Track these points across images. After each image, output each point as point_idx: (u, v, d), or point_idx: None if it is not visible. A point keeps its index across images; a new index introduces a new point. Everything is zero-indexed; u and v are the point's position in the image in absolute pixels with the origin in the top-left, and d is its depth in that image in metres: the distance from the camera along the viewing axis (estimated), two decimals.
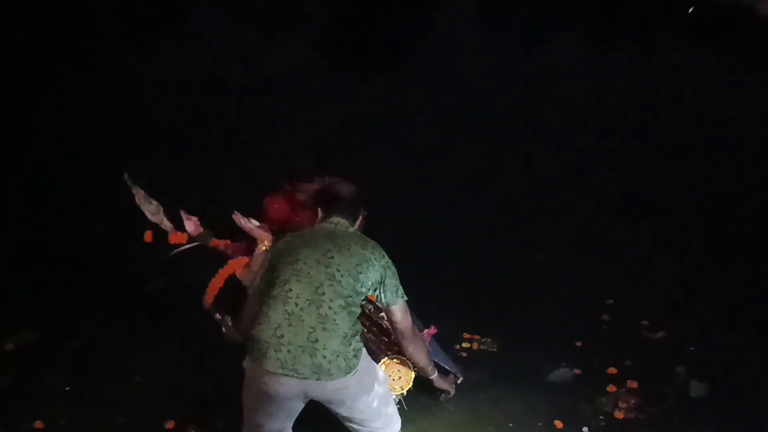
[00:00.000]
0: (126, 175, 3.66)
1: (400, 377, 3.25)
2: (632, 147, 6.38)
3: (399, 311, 2.98)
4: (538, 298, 4.29)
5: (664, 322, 4.09)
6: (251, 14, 12.37)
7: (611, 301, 4.26)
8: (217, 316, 3.49)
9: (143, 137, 6.57)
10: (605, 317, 4.15)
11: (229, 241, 3.70)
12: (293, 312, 2.73)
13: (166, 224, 3.67)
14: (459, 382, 3.49)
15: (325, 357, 2.68)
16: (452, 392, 3.45)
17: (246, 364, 2.82)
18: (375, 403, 2.89)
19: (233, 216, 3.49)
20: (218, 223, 3.76)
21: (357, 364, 2.76)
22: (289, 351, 2.68)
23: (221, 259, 3.59)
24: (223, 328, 3.46)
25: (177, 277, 3.83)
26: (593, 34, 10.91)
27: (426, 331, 3.50)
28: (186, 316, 3.88)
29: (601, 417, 3.42)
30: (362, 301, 2.92)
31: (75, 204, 5.50)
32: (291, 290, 2.76)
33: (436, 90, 8.15)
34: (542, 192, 5.63)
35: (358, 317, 2.87)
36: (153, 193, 3.81)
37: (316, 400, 2.84)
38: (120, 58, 9.44)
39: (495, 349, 3.89)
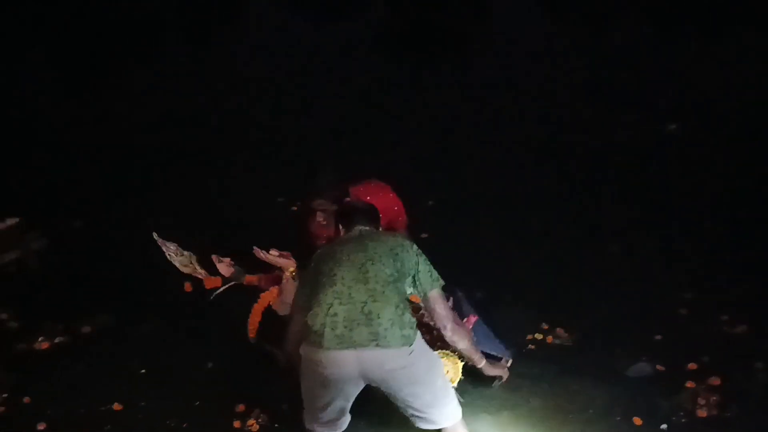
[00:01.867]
0: (155, 235, 3.74)
1: (447, 371, 3.19)
2: (712, 137, 6.17)
3: (437, 297, 3.00)
4: (612, 291, 4.18)
5: (745, 316, 3.92)
6: (307, 8, 12.41)
7: (689, 295, 4.12)
8: (267, 347, 3.53)
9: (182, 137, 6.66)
10: (683, 311, 4.02)
11: (262, 275, 3.71)
12: (342, 291, 2.82)
13: (200, 272, 3.75)
14: (509, 365, 3.42)
15: (381, 324, 2.74)
16: (505, 377, 3.38)
17: (303, 350, 2.85)
18: (435, 388, 2.89)
19: (253, 251, 3.53)
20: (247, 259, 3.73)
21: (413, 337, 2.78)
22: (345, 326, 2.74)
23: (256, 293, 3.63)
24: (279, 358, 3.47)
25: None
26: (657, 21, 10.61)
27: (465, 319, 3.45)
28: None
29: (681, 414, 3.30)
30: (406, 287, 2.95)
31: (148, 190, 5.64)
32: (336, 274, 2.87)
33: (497, 77, 8.07)
34: (615, 181, 5.51)
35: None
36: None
37: (376, 386, 2.86)
38: (176, 53, 9.60)
39: (570, 343, 3.81)
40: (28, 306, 4.21)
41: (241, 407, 3.40)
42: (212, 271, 3.72)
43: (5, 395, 3.49)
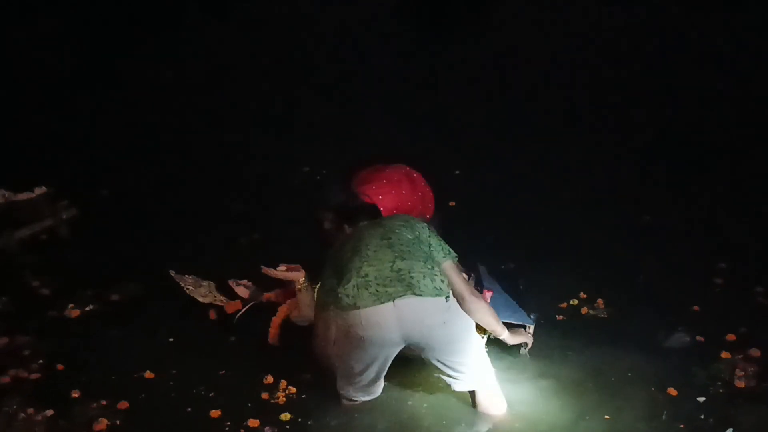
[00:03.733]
0: (172, 272, 3.79)
1: None
2: (748, 102, 6.02)
3: (452, 269, 3.02)
4: (645, 261, 4.12)
5: None
6: None
7: (724, 265, 4.04)
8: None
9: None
10: (718, 281, 3.94)
11: (279, 291, 3.71)
12: (368, 255, 2.91)
13: (220, 299, 3.78)
14: (532, 331, 3.41)
15: (413, 277, 2.82)
16: (530, 342, 3.38)
17: (337, 320, 2.86)
18: (471, 348, 2.94)
19: (262, 271, 3.57)
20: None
21: (446, 290, 2.86)
22: (378, 284, 2.81)
23: (275, 308, 3.65)
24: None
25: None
26: None
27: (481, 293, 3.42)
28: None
29: (719, 384, 3.25)
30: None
31: (175, 157, 5.64)
32: (359, 246, 2.96)
33: (525, 46, 7.92)
34: (646, 150, 5.42)
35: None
36: None
37: (414, 347, 2.89)
38: (195, 24, 9.50)
39: (605, 315, 3.75)
40: (59, 274, 4.22)
41: (268, 378, 3.38)
42: (231, 295, 3.76)
43: (41, 362, 3.51)
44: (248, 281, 3.75)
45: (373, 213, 3.35)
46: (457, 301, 3.01)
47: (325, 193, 3.57)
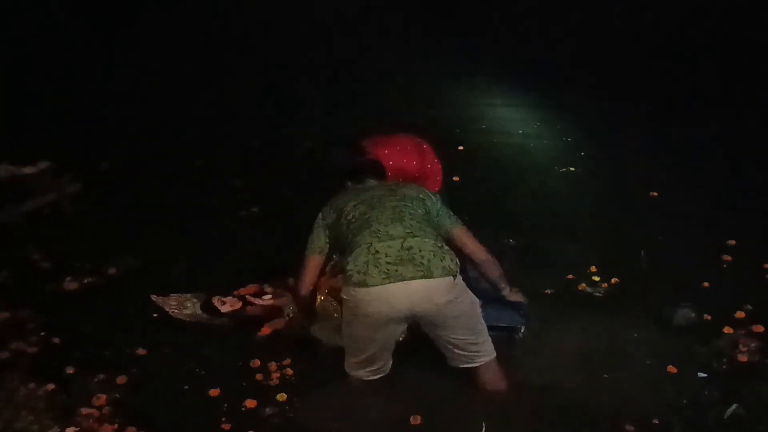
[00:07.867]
0: (153, 297, 3.74)
1: None
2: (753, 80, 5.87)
3: (463, 233, 3.11)
4: (654, 238, 4.06)
5: None
6: None
7: (733, 242, 3.97)
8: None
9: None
10: (726, 258, 3.88)
11: (265, 305, 3.70)
12: (379, 230, 2.90)
13: (205, 317, 3.71)
14: (522, 333, 3.36)
15: (423, 257, 2.82)
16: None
17: (346, 294, 2.89)
18: (476, 323, 2.97)
19: (247, 309, 3.63)
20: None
21: (455, 269, 2.86)
22: (388, 263, 2.80)
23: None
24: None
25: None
26: None
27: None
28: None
29: (723, 360, 3.19)
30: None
31: (177, 133, 5.62)
32: (369, 217, 2.95)
33: (526, 19, 7.73)
34: (654, 125, 5.31)
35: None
36: None
37: (420, 323, 2.91)
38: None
39: (605, 293, 3.70)
40: (60, 247, 4.25)
41: (256, 363, 3.35)
42: (216, 312, 3.71)
43: (41, 335, 3.52)
44: (233, 298, 3.72)
45: (379, 173, 3.30)
46: (474, 261, 3.13)
47: (333, 154, 3.53)
